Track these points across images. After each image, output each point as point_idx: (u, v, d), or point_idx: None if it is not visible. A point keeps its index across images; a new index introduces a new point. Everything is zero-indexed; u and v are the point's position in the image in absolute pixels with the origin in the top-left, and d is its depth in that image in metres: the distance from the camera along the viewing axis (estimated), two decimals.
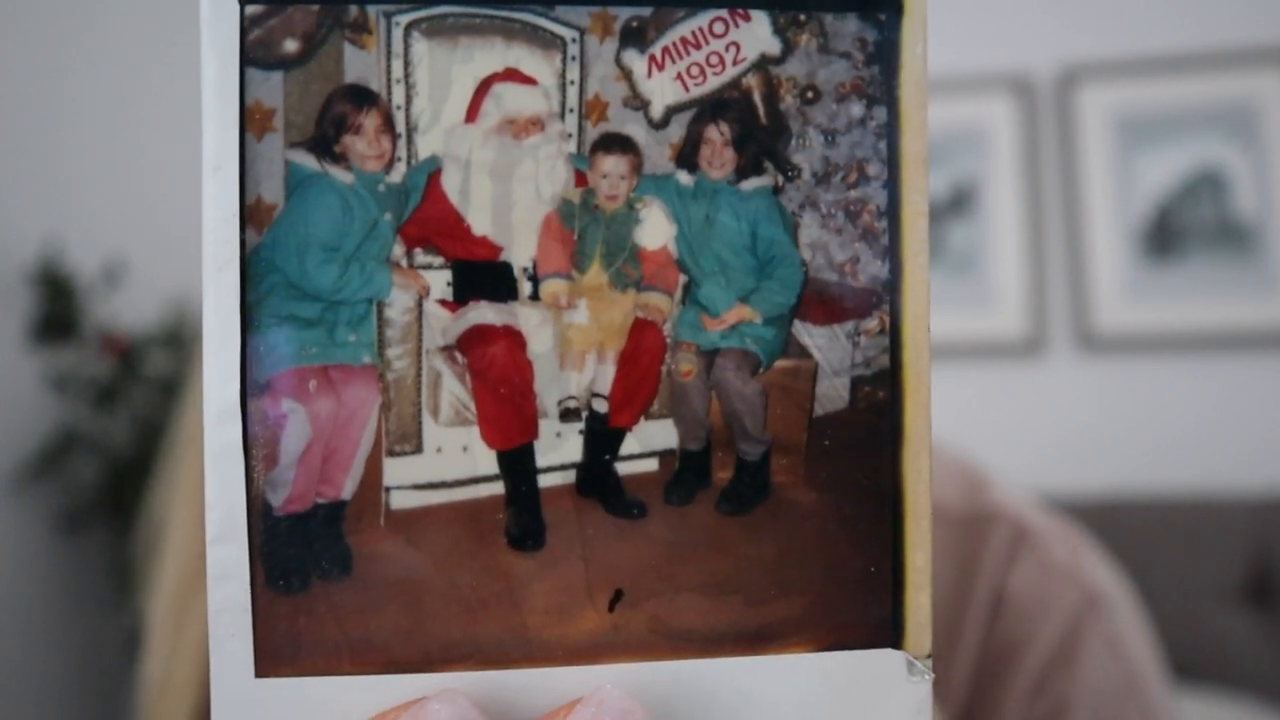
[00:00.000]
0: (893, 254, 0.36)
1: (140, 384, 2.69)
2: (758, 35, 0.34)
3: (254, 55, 0.31)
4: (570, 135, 0.33)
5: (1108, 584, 0.84)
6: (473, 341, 0.33)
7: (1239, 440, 2.78)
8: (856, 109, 0.35)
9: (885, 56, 0.35)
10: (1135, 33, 2.93)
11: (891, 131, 0.35)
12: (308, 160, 0.32)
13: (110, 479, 2.61)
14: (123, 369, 2.66)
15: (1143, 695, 0.79)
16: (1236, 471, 2.72)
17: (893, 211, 0.36)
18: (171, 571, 0.80)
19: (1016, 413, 2.95)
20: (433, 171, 0.33)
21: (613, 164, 0.33)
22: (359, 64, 0.32)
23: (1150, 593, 2.48)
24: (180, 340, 2.73)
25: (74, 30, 2.79)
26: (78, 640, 2.70)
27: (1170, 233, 2.85)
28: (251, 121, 0.32)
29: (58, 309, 2.54)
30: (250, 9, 0.31)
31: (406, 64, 0.32)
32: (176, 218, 2.92)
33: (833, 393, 0.36)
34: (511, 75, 0.33)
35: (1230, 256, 2.82)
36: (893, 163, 0.36)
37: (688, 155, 0.34)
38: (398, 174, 0.33)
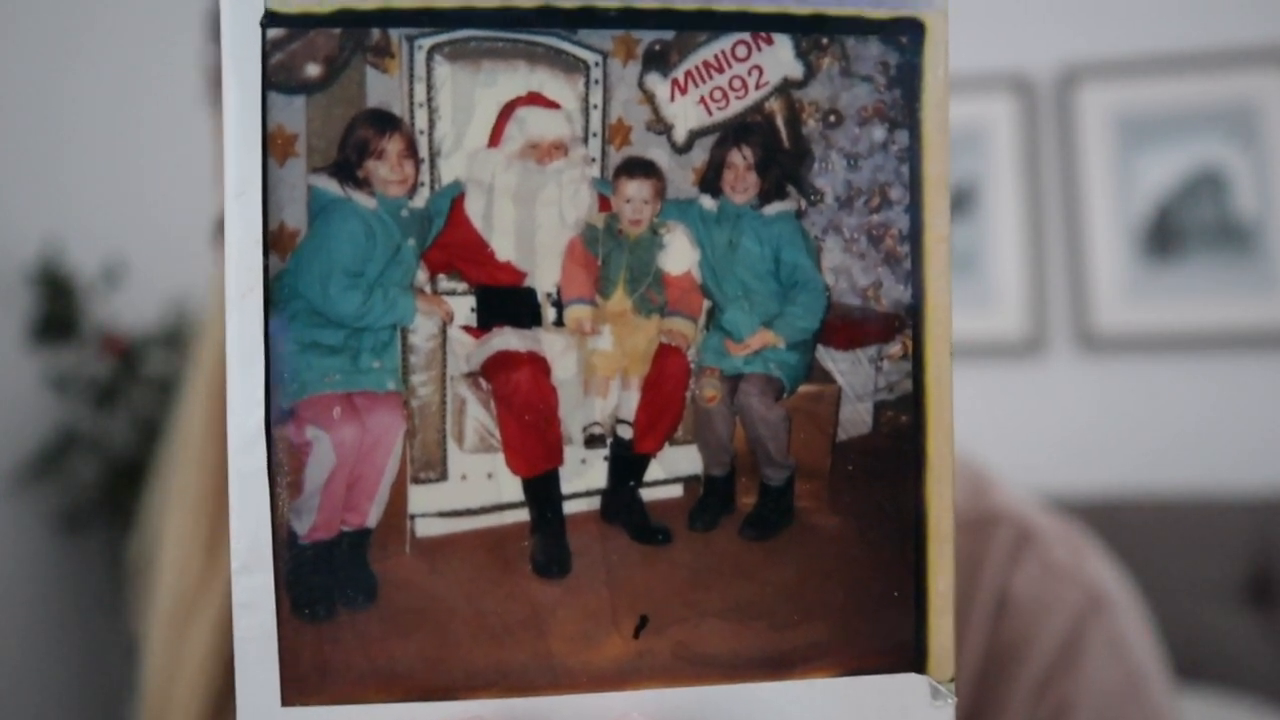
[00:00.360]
0: (915, 278, 0.36)
1: (140, 384, 2.69)
2: (780, 59, 0.34)
3: (276, 79, 0.31)
4: (593, 160, 0.33)
5: (1111, 584, 0.84)
6: (497, 368, 0.33)
7: (1239, 440, 2.79)
8: (879, 133, 0.35)
9: (907, 79, 0.35)
10: (1135, 33, 2.94)
11: (913, 155, 0.35)
12: (330, 185, 0.32)
13: (110, 479, 2.61)
14: (122, 369, 2.66)
15: (1145, 696, 0.79)
16: (1236, 471, 2.73)
17: (915, 235, 0.36)
18: (169, 581, 0.79)
19: (1016, 413, 2.95)
20: (456, 196, 0.33)
21: (636, 189, 0.33)
22: (381, 88, 0.32)
23: (1150, 593, 2.48)
24: (180, 340, 2.71)
25: (74, 30, 2.79)
26: (77, 640, 2.70)
27: (1170, 233, 2.86)
28: (274, 146, 0.32)
29: (58, 309, 2.55)
30: (272, 32, 0.31)
31: (429, 88, 0.32)
32: (176, 218, 2.93)
33: (856, 417, 0.36)
34: (534, 99, 0.33)
35: (1230, 256, 2.82)
36: (915, 186, 0.36)
37: (711, 180, 0.34)
38: (421, 199, 0.33)
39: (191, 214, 2.95)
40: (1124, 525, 2.56)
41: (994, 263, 2.97)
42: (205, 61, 0.72)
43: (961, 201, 3.01)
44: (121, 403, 2.67)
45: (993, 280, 2.97)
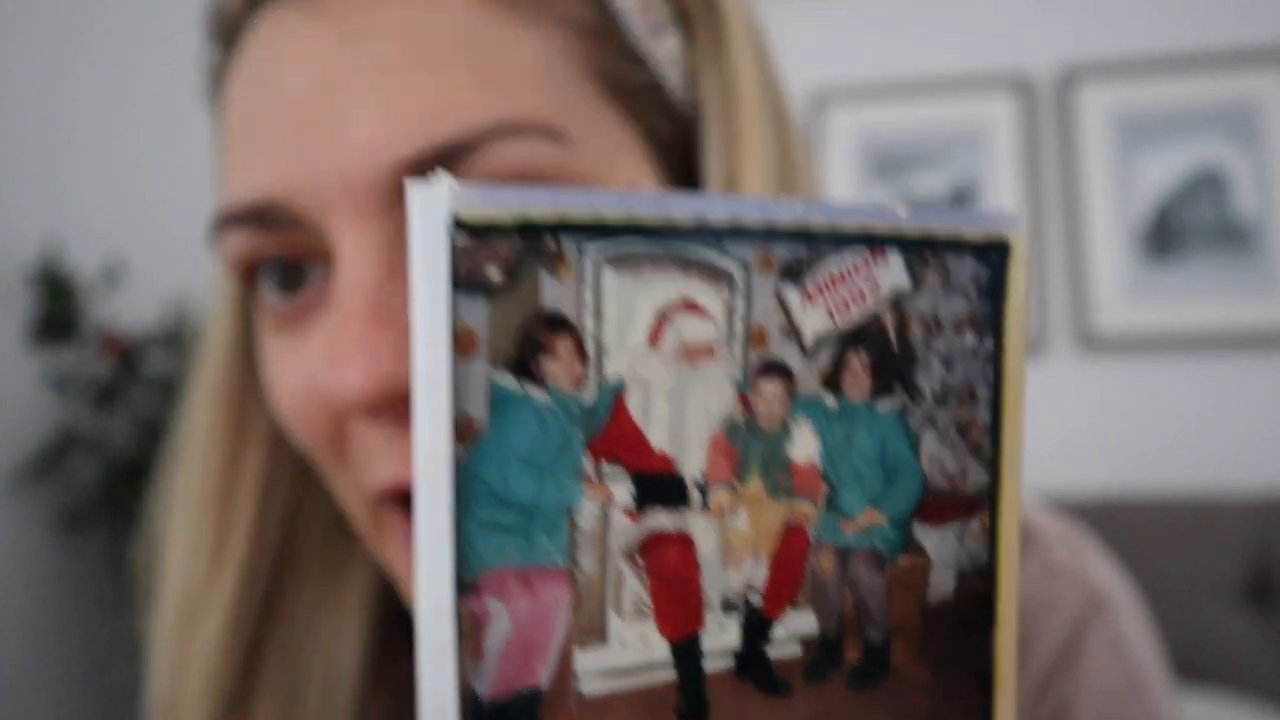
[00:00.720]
0: (993, 465, 0.41)
1: (140, 384, 2.72)
2: (893, 273, 0.39)
3: (461, 282, 0.35)
4: (736, 361, 0.39)
5: (1112, 584, 0.85)
6: (651, 545, 0.38)
7: (1239, 440, 2.82)
8: (970, 339, 0.40)
9: (994, 293, 0.40)
10: (1135, 33, 2.97)
11: (996, 358, 0.41)
12: (508, 381, 0.36)
13: (110, 479, 2.64)
14: (122, 369, 2.68)
15: (1146, 696, 0.80)
16: (1236, 471, 2.76)
17: (995, 428, 0.41)
18: (175, 583, 0.80)
19: None
20: (618, 392, 0.38)
21: (772, 390, 0.38)
22: (555, 292, 0.36)
23: (1150, 592, 2.50)
24: (180, 340, 2.75)
25: (74, 30, 2.80)
26: (78, 639, 2.72)
27: (1170, 233, 2.89)
28: (458, 344, 0.36)
29: (58, 309, 2.57)
30: (459, 239, 0.35)
31: (596, 293, 0.36)
32: (176, 218, 2.94)
33: (942, 584, 0.41)
34: (688, 305, 0.38)
35: (1230, 256, 2.86)
36: (996, 385, 0.41)
37: (833, 379, 0.39)
38: (588, 394, 0.37)
39: (191, 214, 2.97)
40: (1124, 525, 2.57)
41: None
42: (205, 60, 0.73)
43: (961, 201, 3.04)
44: (122, 402, 2.69)
45: None
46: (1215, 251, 2.88)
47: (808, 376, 0.39)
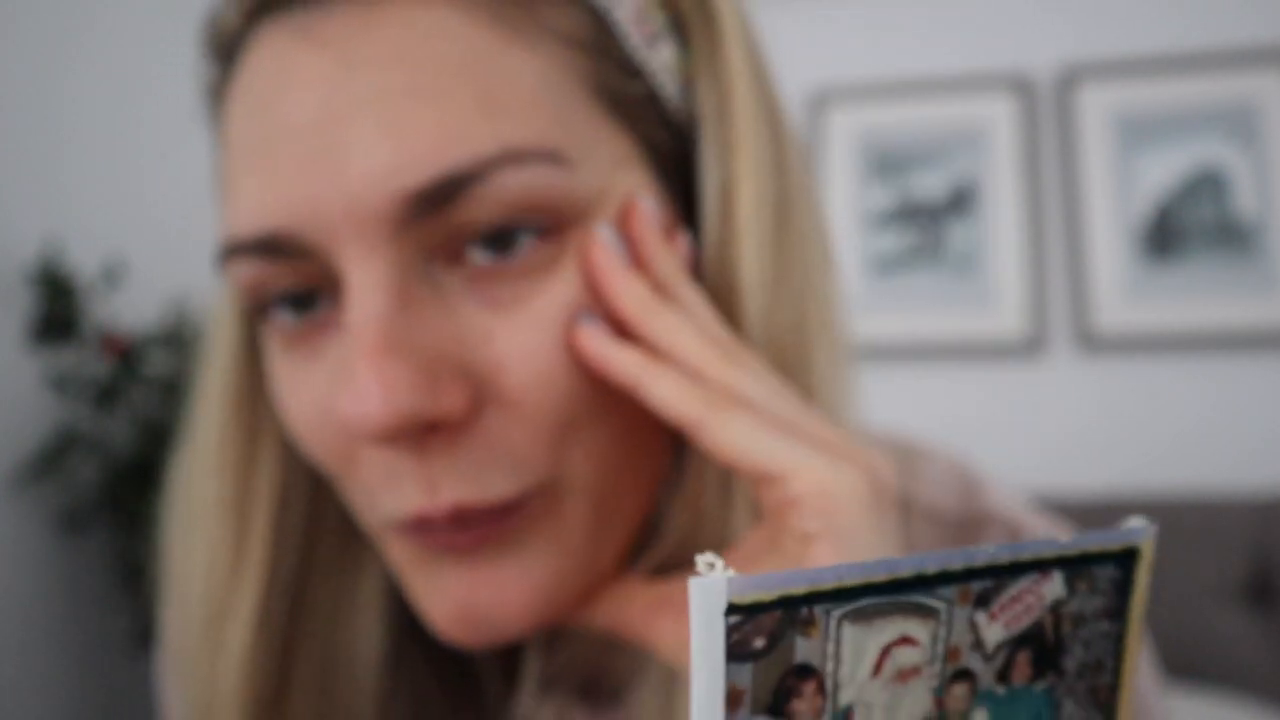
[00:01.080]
0: (1109, 712, 0.49)
1: (140, 384, 2.75)
2: (1055, 587, 0.45)
3: (732, 653, 0.40)
4: (935, 675, 0.45)
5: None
6: None
7: (1239, 440, 2.85)
8: (1105, 625, 0.47)
9: (1123, 589, 0.47)
10: (1135, 33, 3.00)
11: (1119, 638, 0.48)
12: None
13: (110, 479, 2.67)
14: (123, 369, 2.70)
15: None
16: (1237, 472, 2.80)
17: (1113, 690, 0.48)
18: (200, 589, 0.79)
19: (1016, 413, 3.00)
20: (847, 714, 0.44)
21: (960, 691, 0.45)
22: (805, 648, 0.42)
23: (1149, 592, 2.54)
24: (180, 340, 2.79)
25: (74, 30, 2.82)
26: (78, 639, 2.75)
27: (1170, 233, 2.92)
28: (729, 702, 0.40)
29: (58, 309, 2.59)
30: (731, 619, 0.40)
31: (836, 643, 0.42)
32: (176, 218, 2.98)
33: None
34: (905, 640, 0.44)
35: (1230, 256, 2.88)
36: (1118, 657, 0.48)
37: (1003, 673, 0.46)
38: None
39: (191, 214, 3.02)
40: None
41: (994, 263, 3.03)
42: (203, 76, 0.73)
43: (961, 202, 3.08)
44: (121, 403, 2.72)
45: (992, 280, 3.03)
46: (1215, 251, 2.89)
47: (985, 674, 0.46)
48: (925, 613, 0.43)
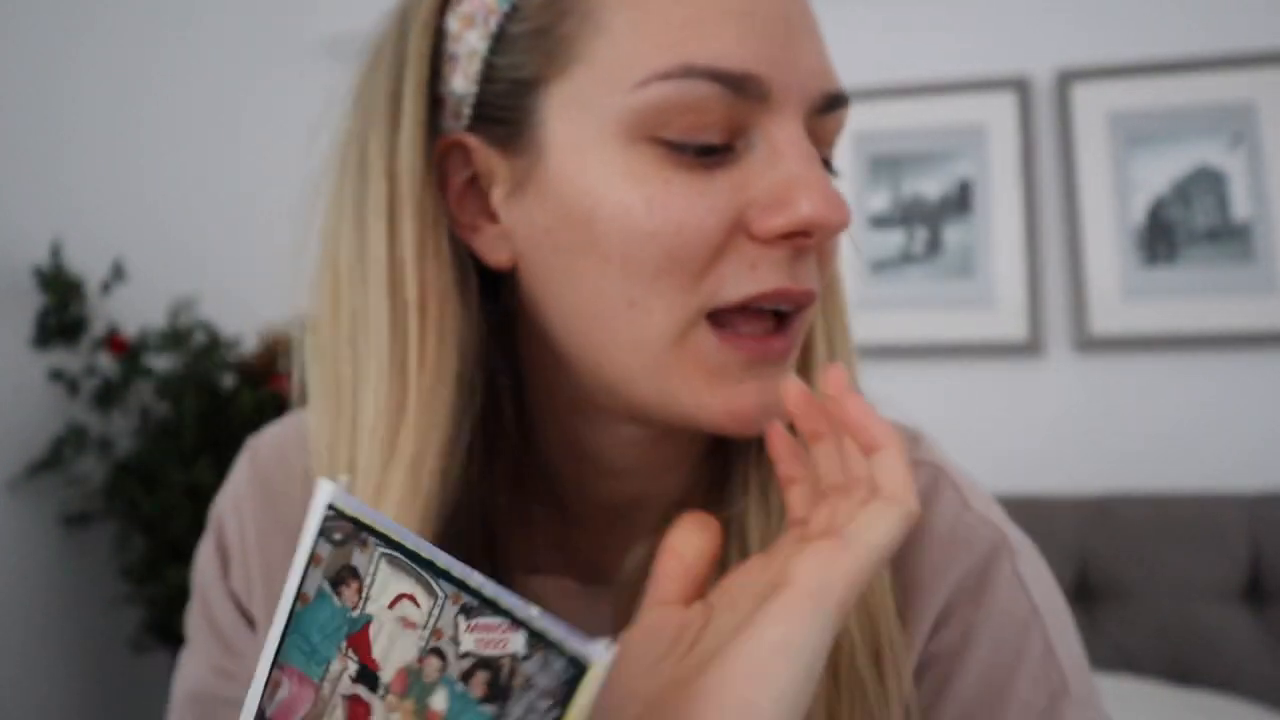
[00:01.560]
0: None
1: (144, 382, 2.81)
2: (517, 642, 0.59)
3: (323, 529, 0.63)
4: (423, 638, 0.61)
5: (1018, 532, 0.92)
6: (351, 700, 0.61)
7: (1235, 441, 2.86)
8: (546, 705, 0.58)
9: (571, 685, 0.58)
10: (1133, 36, 3.02)
11: None
12: (327, 587, 0.63)
13: (114, 477, 2.72)
14: (127, 368, 2.75)
15: (1046, 627, 0.87)
16: (1233, 472, 2.81)
17: None
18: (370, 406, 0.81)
19: (1014, 413, 3.03)
20: (367, 621, 0.61)
21: (435, 665, 0.60)
22: (359, 558, 0.63)
23: (1148, 592, 2.56)
24: (183, 340, 2.85)
25: (74, 30, 2.86)
26: (82, 637, 2.80)
27: (1167, 234, 2.94)
28: (313, 559, 0.63)
29: (63, 309, 2.65)
30: (329, 511, 0.63)
31: (375, 569, 0.62)
32: (178, 218, 3.03)
33: None
34: (411, 598, 0.61)
35: (1227, 258, 2.89)
36: None
37: (466, 677, 0.59)
38: (356, 612, 0.62)
39: (194, 214, 3.08)
40: (1121, 525, 2.69)
41: (992, 263, 3.06)
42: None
43: (959, 202, 3.11)
44: (126, 401, 2.79)
45: (991, 280, 3.06)
46: (1212, 253, 2.91)
47: (454, 667, 0.59)
48: (429, 590, 0.60)
